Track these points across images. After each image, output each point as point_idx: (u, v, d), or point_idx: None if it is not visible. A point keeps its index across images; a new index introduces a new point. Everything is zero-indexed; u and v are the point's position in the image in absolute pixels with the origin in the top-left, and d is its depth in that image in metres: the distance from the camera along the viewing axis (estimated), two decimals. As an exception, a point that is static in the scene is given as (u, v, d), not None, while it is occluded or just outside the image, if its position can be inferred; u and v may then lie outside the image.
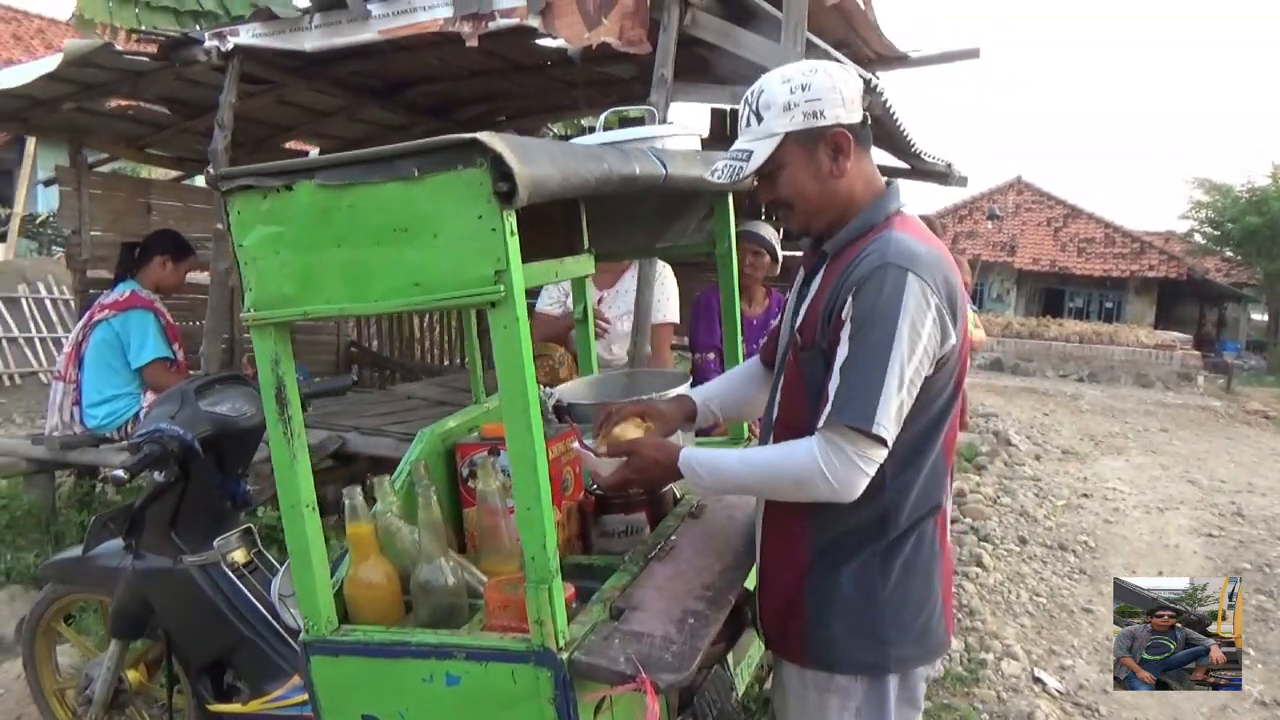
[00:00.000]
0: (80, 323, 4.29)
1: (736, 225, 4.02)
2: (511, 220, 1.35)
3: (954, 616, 1.80)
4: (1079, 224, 26.84)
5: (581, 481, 2.07)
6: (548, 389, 2.43)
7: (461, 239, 1.35)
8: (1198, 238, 24.37)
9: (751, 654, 2.39)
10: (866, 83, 1.66)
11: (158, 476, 2.38)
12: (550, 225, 2.13)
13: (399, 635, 1.57)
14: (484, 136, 1.30)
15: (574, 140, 2.23)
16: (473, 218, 1.34)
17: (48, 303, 9.58)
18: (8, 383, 8.90)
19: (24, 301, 9.54)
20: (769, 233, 3.88)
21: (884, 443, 1.49)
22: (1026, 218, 27.44)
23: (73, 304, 9.11)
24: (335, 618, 1.63)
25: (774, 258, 3.88)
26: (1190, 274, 24.42)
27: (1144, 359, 16.23)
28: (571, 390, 2.49)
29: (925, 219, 4.76)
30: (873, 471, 1.51)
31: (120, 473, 2.16)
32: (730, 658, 2.19)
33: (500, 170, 1.30)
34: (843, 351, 1.52)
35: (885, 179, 1.73)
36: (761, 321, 3.95)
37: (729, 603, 1.71)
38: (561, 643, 1.45)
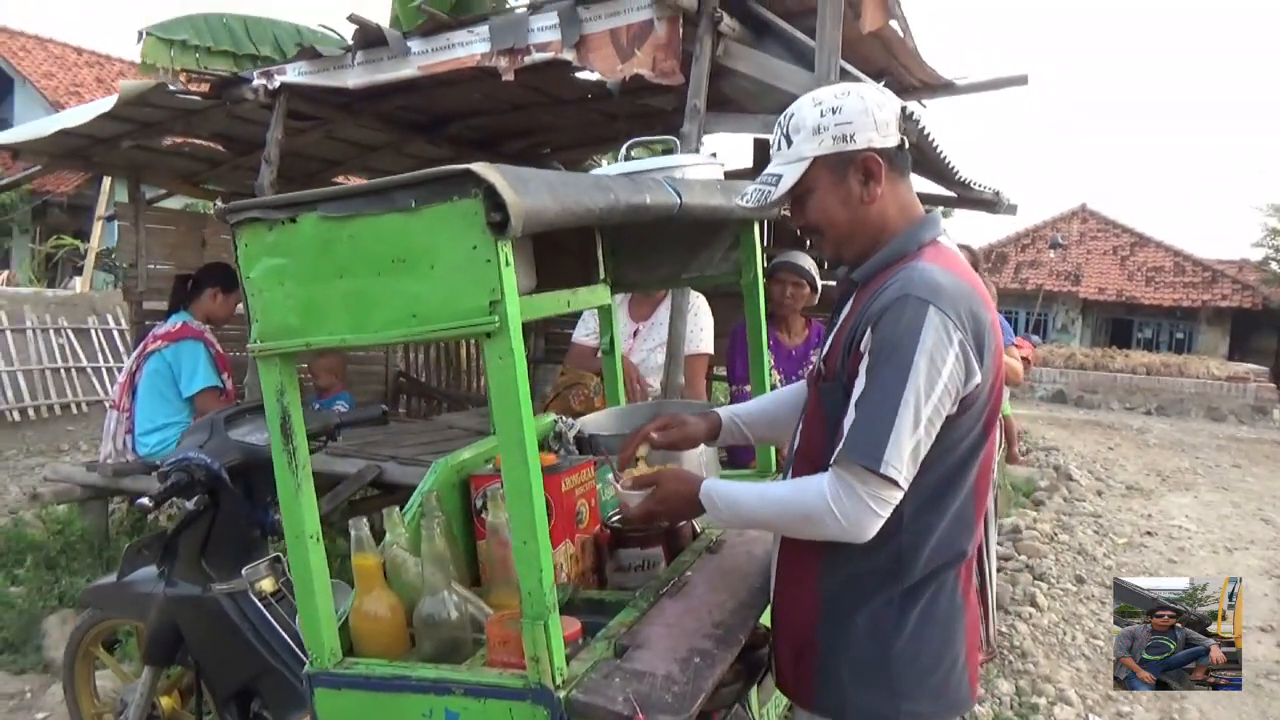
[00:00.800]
0: (134, 353, 4.42)
1: (777, 255, 4.01)
2: (507, 251, 1.34)
3: (979, 675, 1.71)
4: (1147, 252, 26.15)
5: (597, 514, 2.04)
6: (570, 420, 2.42)
7: (457, 269, 1.35)
8: (1274, 266, 23.53)
9: (780, 694, 2.32)
10: (902, 109, 1.61)
11: (188, 505, 2.41)
12: (567, 255, 2.13)
13: (399, 669, 1.55)
14: (477, 167, 1.30)
15: (593, 171, 2.23)
16: (467, 248, 1.33)
17: (115, 333, 9.91)
18: (75, 411, 9.22)
19: (93, 333, 9.89)
20: (808, 262, 3.83)
21: (895, 483, 1.42)
22: (1092, 246, 26.83)
23: (118, 334, 9.48)
24: (339, 650, 1.62)
25: (813, 288, 3.83)
26: (1266, 303, 23.56)
27: (1215, 391, 15.65)
28: (595, 421, 2.47)
29: (965, 248, 4.68)
30: (885, 512, 1.45)
31: (145, 500, 2.20)
32: (755, 697, 2.13)
33: (494, 201, 1.29)
34: (859, 385, 1.47)
35: (926, 208, 1.68)
36: (801, 352, 3.90)
37: (739, 641, 1.66)
38: (559, 680, 1.42)
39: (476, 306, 1.34)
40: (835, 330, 1.64)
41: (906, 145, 1.61)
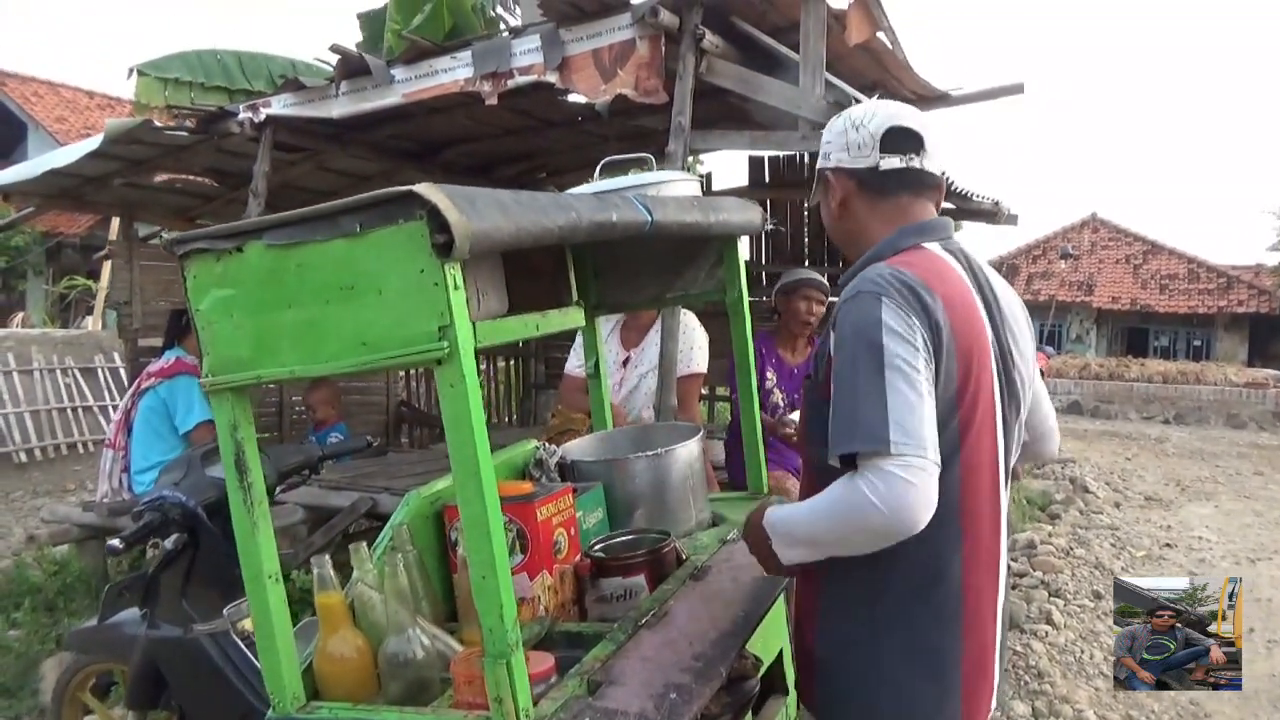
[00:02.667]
0: (129, 391, 4.40)
1: (780, 271, 3.95)
2: (456, 274, 1.29)
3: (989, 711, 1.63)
4: (1160, 260, 25.97)
5: (577, 543, 1.97)
6: (552, 446, 2.36)
7: (405, 295, 1.30)
8: (1290, 270, 23.33)
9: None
10: (890, 128, 1.60)
11: (167, 544, 2.36)
12: (540, 277, 2.08)
13: (362, 713, 1.49)
14: (421, 188, 1.25)
15: (572, 190, 2.18)
16: (415, 272, 1.28)
17: (121, 372, 9.92)
18: (81, 450, 9.23)
19: (100, 371, 9.93)
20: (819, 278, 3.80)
21: (918, 457, 1.30)
22: (1104, 255, 26.66)
23: (124, 373, 9.49)
24: (303, 694, 1.56)
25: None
26: (1282, 308, 23.33)
27: (1234, 398, 15.42)
28: (579, 447, 2.41)
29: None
30: (919, 480, 1.30)
31: (116, 542, 2.15)
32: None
33: (438, 222, 1.24)
34: (835, 383, 1.42)
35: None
36: (803, 370, 3.82)
37: (719, 674, 1.59)
38: (524, 722, 1.35)
39: (425, 332, 1.29)
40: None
41: (884, 168, 1.58)
